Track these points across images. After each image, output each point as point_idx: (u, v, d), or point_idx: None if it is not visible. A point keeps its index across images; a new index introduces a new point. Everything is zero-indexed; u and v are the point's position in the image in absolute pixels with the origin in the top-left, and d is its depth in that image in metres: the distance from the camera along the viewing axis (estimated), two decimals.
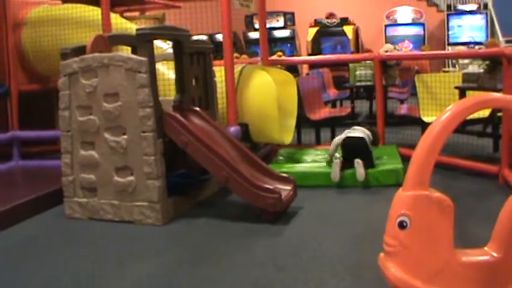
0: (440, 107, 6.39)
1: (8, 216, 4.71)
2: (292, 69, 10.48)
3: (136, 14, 9.67)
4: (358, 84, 9.69)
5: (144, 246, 4.09)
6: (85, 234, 4.46)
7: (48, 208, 5.09)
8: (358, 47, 15.30)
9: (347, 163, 5.39)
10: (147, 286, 3.33)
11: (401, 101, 9.72)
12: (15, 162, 6.73)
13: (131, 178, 4.52)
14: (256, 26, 14.30)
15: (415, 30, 16.28)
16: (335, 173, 5.35)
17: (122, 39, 5.36)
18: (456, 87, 6.42)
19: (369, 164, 5.40)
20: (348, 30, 15.16)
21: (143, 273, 3.53)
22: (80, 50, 4.83)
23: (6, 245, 4.29)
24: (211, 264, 3.64)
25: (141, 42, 4.58)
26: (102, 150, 4.62)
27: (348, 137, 5.56)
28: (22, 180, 6.40)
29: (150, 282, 3.38)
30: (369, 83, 9.37)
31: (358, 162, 5.32)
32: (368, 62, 9.19)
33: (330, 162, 5.58)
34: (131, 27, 6.68)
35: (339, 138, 5.65)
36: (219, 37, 12.84)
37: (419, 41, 16.07)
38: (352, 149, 5.46)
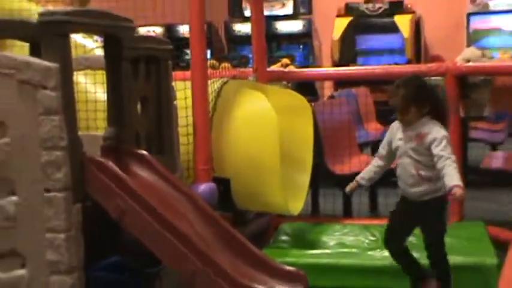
0: None
1: None
2: (306, 88, 10.54)
3: None
4: None
5: None
6: None
7: None
8: (419, 52, 15.43)
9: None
10: None
11: (494, 146, 9.76)
12: None
13: (21, 272, 4.46)
14: (247, 13, 14.43)
15: None
16: None
17: (13, 28, 5.35)
18: None
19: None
20: (403, 22, 15.30)
21: None
22: None
23: None
24: None
25: (49, 37, 4.57)
26: None
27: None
28: None
29: None
30: None
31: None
32: (436, 78, 9.24)
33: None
34: (30, 9, 6.72)
35: None
36: (183, 30, 13.02)
37: None
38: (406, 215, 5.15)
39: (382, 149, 5.02)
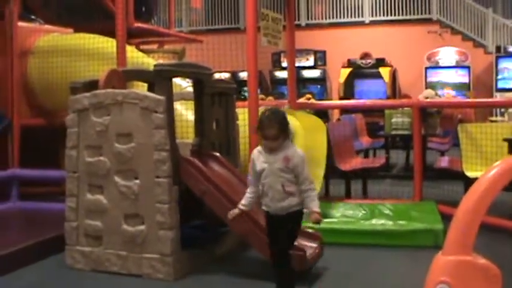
0: (486, 160, 6.41)
1: (1, 264, 4.77)
2: (322, 113, 10.58)
3: (154, 47, 9.86)
4: (394, 132, 9.73)
5: None
6: None
7: (46, 256, 5.16)
8: (395, 92, 15.39)
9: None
10: None
11: (442, 153, 9.74)
12: (12, 203, 6.84)
13: (141, 227, 4.58)
14: (284, 64, 14.53)
15: (460, 74, 16.35)
16: None
17: (138, 74, 5.49)
18: (505, 139, 6.42)
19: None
20: (385, 72, 15.31)
21: None
22: (92, 85, 4.96)
23: None
24: None
25: (159, 79, 4.70)
26: (111, 195, 4.70)
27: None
28: (19, 223, 6.49)
29: None
30: (406, 132, 9.40)
31: None
32: (406, 108, 9.25)
33: None
34: (148, 62, 6.84)
35: None
36: (243, 75, 13.07)
37: (463, 86, 16.10)
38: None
39: (251, 177, 3.98)
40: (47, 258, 5.13)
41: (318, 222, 3.86)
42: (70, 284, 4.60)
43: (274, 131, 3.74)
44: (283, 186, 3.79)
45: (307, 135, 6.15)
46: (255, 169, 3.88)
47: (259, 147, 3.93)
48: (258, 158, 3.88)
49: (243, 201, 4.00)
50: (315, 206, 3.82)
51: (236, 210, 4.01)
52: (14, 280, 4.65)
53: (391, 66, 15.56)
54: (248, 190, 4.01)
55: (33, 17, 8.23)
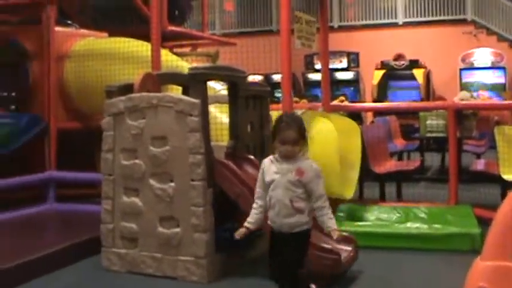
0: None
1: (39, 265, 4.84)
2: (355, 115, 10.53)
3: (187, 50, 9.90)
4: (429, 135, 9.65)
5: None
6: None
7: (83, 258, 5.21)
8: (429, 93, 15.25)
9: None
10: None
11: (478, 155, 9.62)
12: (49, 204, 6.94)
13: (177, 230, 4.60)
14: (317, 66, 14.52)
15: (495, 75, 16.12)
16: None
17: (173, 78, 5.53)
18: None
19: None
20: (418, 74, 15.18)
21: None
22: (127, 88, 5.00)
23: None
24: None
25: (194, 83, 4.72)
26: (146, 198, 4.74)
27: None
28: (56, 225, 6.57)
29: None
30: (441, 134, 9.31)
31: None
32: (440, 110, 9.17)
33: None
34: (182, 65, 6.88)
35: None
36: (276, 78, 13.08)
37: (499, 88, 15.87)
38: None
39: (259, 189, 3.66)
40: (83, 260, 5.19)
41: (338, 237, 3.64)
42: (106, 286, 4.65)
43: (293, 134, 3.48)
44: (292, 201, 3.49)
45: (342, 138, 6.14)
46: (264, 180, 3.59)
47: (271, 157, 3.63)
48: (269, 167, 3.59)
49: (249, 219, 3.67)
50: (333, 224, 3.58)
51: (243, 230, 3.65)
52: (51, 281, 4.72)
53: (425, 67, 15.43)
54: (254, 205, 3.69)
55: (69, 21, 8.33)
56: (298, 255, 3.60)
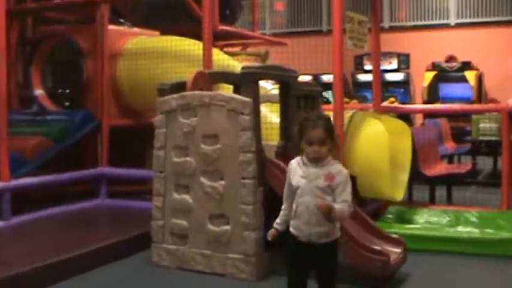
0: None
1: (91, 258, 4.95)
2: (404, 117, 10.43)
3: (237, 49, 9.95)
4: (481, 138, 9.47)
5: None
6: (172, 285, 4.61)
7: (133, 253, 5.30)
8: (480, 96, 14.99)
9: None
10: None
11: None
12: (101, 200, 7.07)
13: (226, 227, 4.65)
14: (367, 67, 14.39)
15: None
16: None
17: (224, 76, 5.56)
18: None
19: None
20: (470, 76, 14.92)
21: None
22: (179, 86, 5.06)
23: None
24: None
25: (246, 82, 4.76)
26: (196, 195, 4.79)
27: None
28: (107, 220, 6.69)
29: None
30: (493, 138, 9.14)
31: None
32: (493, 113, 9.01)
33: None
34: (233, 64, 6.92)
35: None
36: (325, 78, 13.03)
37: None
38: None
39: (287, 191, 3.43)
40: (133, 255, 5.28)
41: (326, 210, 3.10)
42: (156, 281, 4.71)
43: (321, 132, 3.18)
44: None
45: (393, 139, 6.07)
46: (291, 183, 3.33)
47: (298, 158, 3.34)
48: (296, 171, 3.30)
49: (278, 220, 3.47)
50: (335, 206, 3.13)
51: (273, 231, 3.46)
52: (102, 275, 4.81)
53: (477, 69, 15.15)
54: (283, 207, 3.48)
55: (122, 20, 8.45)
56: (334, 266, 3.36)
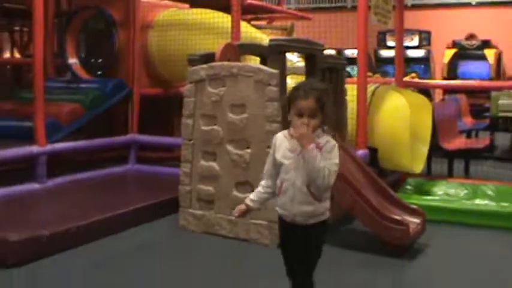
0: None
1: (121, 220, 4.98)
2: (425, 93, 10.32)
3: (264, 23, 9.88)
4: (501, 114, 9.35)
5: (259, 268, 4.16)
6: (198, 248, 4.63)
7: (161, 217, 5.31)
8: (499, 74, 14.77)
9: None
10: None
11: None
12: (130, 165, 7.08)
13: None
14: (389, 43, 14.24)
15: None
16: None
17: (252, 48, 5.50)
18: None
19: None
20: (490, 54, 14.69)
21: None
22: (208, 57, 5.01)
23: (118, 250, 4.53)
24: None
25: (273, 54, 4.70)
26: (223, 163, 4.77)
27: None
28: (136, 184, 6.70)
29: None
30: None
31: None
32: None
33: None
34: (260, 37, 6.86)
35: None
36: (348, 53, 12.90)
37: None
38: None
39: (269, 166, 2.94)
40: (161, 219, 5.29)
41: (301, 136, 2.67)
42: (182, 244, 4.73)
43: (312, 103, 2.71)
44: (309, 185, 2.74)
45: (414, 113, 6.03)
46: (275, 157, 2.87)
47: (285, 132, 2.89)
48: (281, 144, 2.86)
49: (252, 196, 2.99)
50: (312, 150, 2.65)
51: (242, 206, 3.00)
52: (130, 237, 4.83)
53: (496, 48, 14.94)
54: (262, 182, 2.99)
55: None
56: (316, 253, 2.87)
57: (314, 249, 2.86)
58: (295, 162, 2.76)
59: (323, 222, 2.83)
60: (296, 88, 2.81)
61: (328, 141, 2.75)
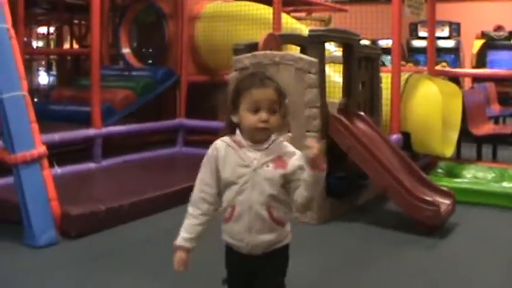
0: None
1: (170, 199, 4.96)
2: (455, 81, 10.13)
3: (303, 14, 9.80)
4: None
5: (297, 244, 4.10)
6: None
7: None
8: None
9: None
10: (296, 285, 3.30)
11: None
12: (178, 148, 7.10)
13: None
14: (420, 34, 14.04)
15: None
16: None
17: (292, 38, 5.46)
18: None
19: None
20: None
21: (294, 272, 3.48)
22: (252, 47, 4.98)
23: (167, 226, 4.50)
24: (361, 270, 3.62)
25: (313, 43, 4.64)
26: None
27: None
28: (184, 166, 6.69)
29: (300, 281, 3.27)
30: None
31: None
32: None
33: None
34: (300, 28, 6.81)
35: None
36: (382, 43, 12.71)
37: None
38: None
39: (204, 186, 2.09)
40: None
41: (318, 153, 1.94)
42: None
43: (272, 92, 1.98)
44: (271, 210, 2.01)
45: (445, 101, 5.92)
46: (220, 176, 2.05)
47: (225, 139, 2.06)
48: (226, 157, 2.04)
49: (185, 234, 2.10)
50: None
51: (183, 255, 2.09)
52: (178, 214, 4.78)
53: None
54: (190, 211, 2.14)
55: None
56: (282, 278, 2.14)
57: (282, 274, 2.15)
58: (251, 180, 2.00)
59: (287, 246, 2.14)
60: (249, 75, 2.10)
61: (293, 152, 2.10)
